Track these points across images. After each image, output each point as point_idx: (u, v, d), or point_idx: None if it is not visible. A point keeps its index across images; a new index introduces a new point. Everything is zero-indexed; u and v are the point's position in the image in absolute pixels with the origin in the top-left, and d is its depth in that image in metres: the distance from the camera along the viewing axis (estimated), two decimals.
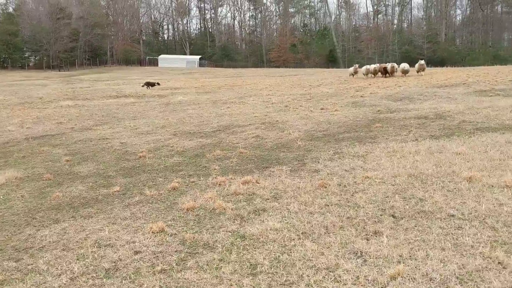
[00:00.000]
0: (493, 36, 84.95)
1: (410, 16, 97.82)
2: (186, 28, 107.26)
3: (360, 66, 34.94)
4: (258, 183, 7.01)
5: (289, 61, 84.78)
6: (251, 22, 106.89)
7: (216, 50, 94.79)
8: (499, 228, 4.69)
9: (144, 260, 4.55)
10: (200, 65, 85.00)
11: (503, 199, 5.47)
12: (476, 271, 3.86)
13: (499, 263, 3.96)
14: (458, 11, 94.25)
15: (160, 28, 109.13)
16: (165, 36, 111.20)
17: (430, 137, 9.66)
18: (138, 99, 24.25)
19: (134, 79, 44.71)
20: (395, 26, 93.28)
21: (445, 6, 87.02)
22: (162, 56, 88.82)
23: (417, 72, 31.07)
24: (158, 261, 4.48)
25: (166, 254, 4.63)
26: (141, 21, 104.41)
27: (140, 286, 4.05)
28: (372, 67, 31.86)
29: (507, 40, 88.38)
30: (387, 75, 31.03)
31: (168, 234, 5.16)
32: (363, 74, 32.07)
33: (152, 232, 5.21)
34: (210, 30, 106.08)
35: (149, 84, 31.98)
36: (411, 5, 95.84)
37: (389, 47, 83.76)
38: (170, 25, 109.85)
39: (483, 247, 4.28)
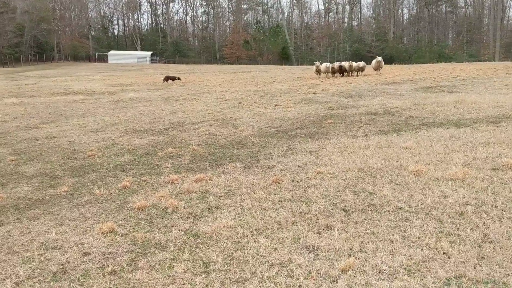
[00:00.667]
0: (438, 34, 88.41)
1: (360, 15, 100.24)
2: (137, 23, 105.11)
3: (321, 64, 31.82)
4: (211, 180, 6.97)
5: (243, 58, 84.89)
6: (203, 18, 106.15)
7: (168, 46, 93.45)
8: (444, 219, 4.88)
9: (93, 261, 4.42)
10: (152, 61, 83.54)
11: (447, 192, 5.69)
12: (423, 261, 4.00)
13: (444, 253, 4.12)
14: (406, 10, 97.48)
15: (110, 23, 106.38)
16: (115, 31, 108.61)
17: (379, 133, 9.92)
18: (87, 96, 23.55)
19: (83, 76, 43.40)
20: (345, 24, 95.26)
21: (393, 5, 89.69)
22: (112, 52, 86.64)
23: (375, 70, 29.07)
24: (108, 262, 4.37)
25: (117, 255, 4.52)
26: (90, 16, 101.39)
27: None
28: (331, 66, 29.60)
29: (451, 39, 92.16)
30: (345, 73, 28.98)
31: (118, 234, 5.04)
32: (323, 72, 29.70)
33: (102, 233, 5.07)
34: (162, 26, 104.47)
35: (169, 78, 31.34)
36: (360, 3, 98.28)
37: (340, 45, 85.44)
38: (120, 20, 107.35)
39: (429, 238, 4.43)
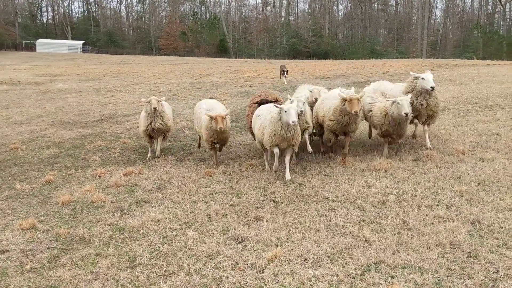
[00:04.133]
0: (370, 31, 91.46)
1: (296, 10, 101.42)
2: (67, 11, 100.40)
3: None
4: (141, 174, 6.83)
5: (179, 49, 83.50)
6: (138, 8, 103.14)
7: (101, 36, 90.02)
8: (367, 208, 5.07)
9: (12, 259, 4.21)
10: (84, 51, 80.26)
11: (371, 182, 5.92)
12: (346, 249, 4.13)
13: (366, 240, 4.28)
14: (340, 7, 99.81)
15: (38, 11, 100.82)
16: (44, 19, 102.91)
17: None
18: (11, 87, 22.24)
19: (8, 65, 40.91)
20: (282, 18, 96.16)
21: (328, 1, 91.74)
22: (40, 40, 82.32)
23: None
24: (27, 260, 4.17)
25: (37, 252, 4.32)
26: (16, 2, 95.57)
27: (7, 287, 3.73)
28: None
29: (382, 36, 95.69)
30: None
31: (40, 231, 4.82)
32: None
33: (22, 229, 4.84)
34: (94, 15, 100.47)
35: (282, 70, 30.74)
36: None
37: (278, 39, 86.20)
38: (49, 8, 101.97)
39: (352, 226, 4.59)
